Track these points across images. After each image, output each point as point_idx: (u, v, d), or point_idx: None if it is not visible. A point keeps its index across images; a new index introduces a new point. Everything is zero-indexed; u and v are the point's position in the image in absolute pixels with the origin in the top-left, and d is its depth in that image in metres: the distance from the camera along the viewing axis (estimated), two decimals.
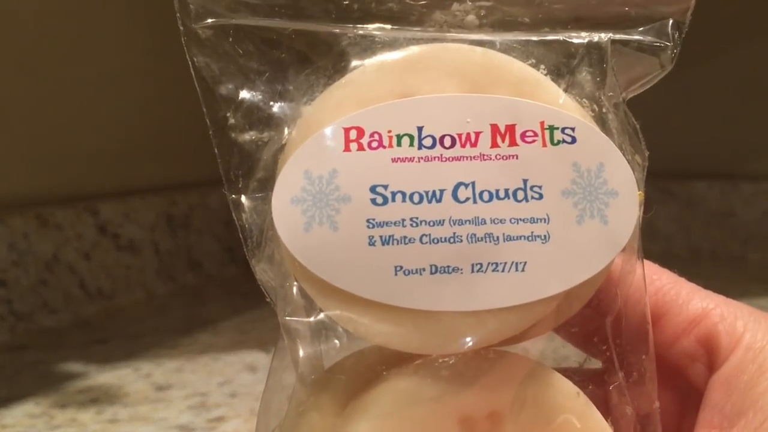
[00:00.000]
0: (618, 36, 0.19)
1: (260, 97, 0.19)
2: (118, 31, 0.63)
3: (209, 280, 0.70)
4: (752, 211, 0.80)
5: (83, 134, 0.60)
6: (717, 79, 0.82)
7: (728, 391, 0.19)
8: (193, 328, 0.54)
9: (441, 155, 0.18)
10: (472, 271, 0.17)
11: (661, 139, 0.96)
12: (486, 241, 0.17)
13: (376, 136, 0.17)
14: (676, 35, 0.19)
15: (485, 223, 0.18)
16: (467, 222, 0.17)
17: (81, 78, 0.59)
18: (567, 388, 0.19)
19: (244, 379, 0.43)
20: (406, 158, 0.17)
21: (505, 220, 0.18)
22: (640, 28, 0.19)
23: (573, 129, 0.18)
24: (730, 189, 0.80)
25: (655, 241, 0.82)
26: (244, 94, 0.19)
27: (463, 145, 0.18)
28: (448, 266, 0.17)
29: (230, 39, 0.19)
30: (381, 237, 0.17)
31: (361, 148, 0.17)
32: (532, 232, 0.18)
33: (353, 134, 0.17)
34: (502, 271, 0.18)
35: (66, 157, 0.58)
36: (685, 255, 0.81)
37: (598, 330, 0.20)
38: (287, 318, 0.19)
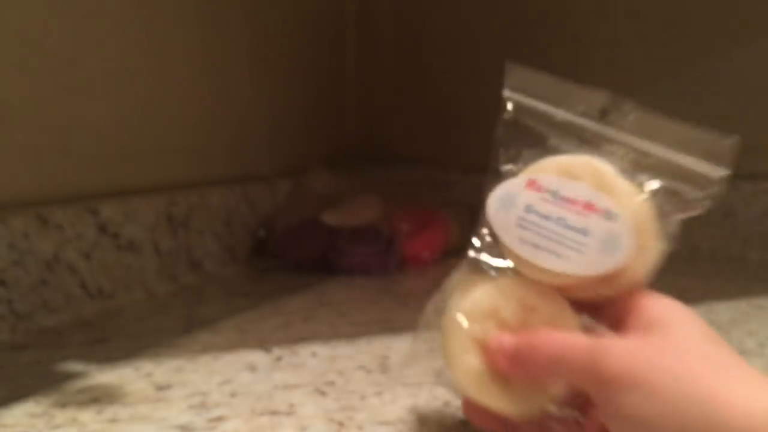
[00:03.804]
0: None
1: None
2: (119, 32, 0.63)
3: (209, 279, 0.70)
4: (752, 210, 0.80)
5: (83, 134, 0.60)
6: (717, 79, 0.82)
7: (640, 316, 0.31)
8: (193, 327, 0.54)
9: (560, 204, 0.33)
10: (560, 253, 0.33)
11: None
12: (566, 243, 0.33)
13: (540, 187, 0.34)
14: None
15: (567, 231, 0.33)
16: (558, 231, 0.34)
17: (81, 78, 0.59)
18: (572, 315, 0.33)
19: (244, 378, 0.43)
20: (546, 200, 0.34)
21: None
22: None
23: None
24: (730, 188, 0.80)
25: None
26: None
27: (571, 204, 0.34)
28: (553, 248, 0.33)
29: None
30: (526, 228, 0.34)
31: (532, 188, 0.34)
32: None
33: (532, 183, 0.34)
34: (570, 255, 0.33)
35: (66, 157, 0.59)
36: (684, 254, 0.81)
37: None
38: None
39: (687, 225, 0.35)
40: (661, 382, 0.27)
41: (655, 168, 0.33)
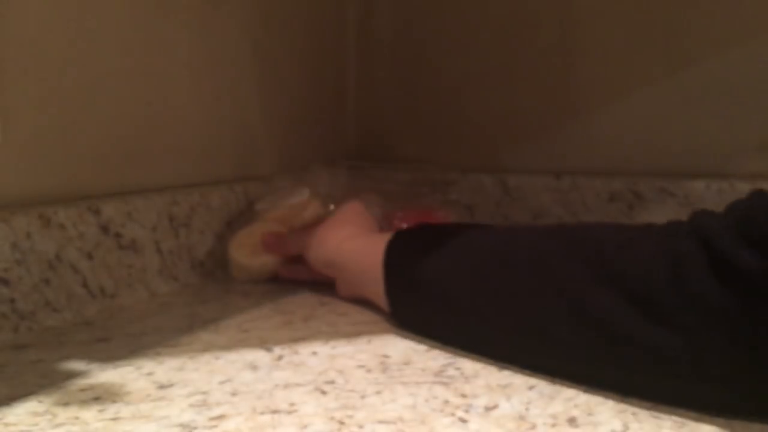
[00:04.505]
0: None
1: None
2: (120, 32, 0.63)
3: (211, 279, 0.71)
4: None
5: (86, 134, 0.60)
6: (716, 79, 0.82)
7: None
8: (195, 327, 0.54)
9: (290, 190, 0.75)
10: (284, 202, 0.74)
11: (660, 138, 0.96)
12: (289, 197, 0.76)
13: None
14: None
15: None
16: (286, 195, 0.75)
17: (83, 77, 0.60)
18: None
19: (246, 377, 0.43)
20: (286, 193, 0.75)
21: None
22: None
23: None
24: (728, 188, 0.80)
25: None
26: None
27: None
28: (282, 202, 0.75)
29: None
30: (273, 201, 0.75)
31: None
32: None
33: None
34: None
35: (68, 156, 0.59)
36: None
37: None
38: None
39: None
40: (317, 239, 0.63)
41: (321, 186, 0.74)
